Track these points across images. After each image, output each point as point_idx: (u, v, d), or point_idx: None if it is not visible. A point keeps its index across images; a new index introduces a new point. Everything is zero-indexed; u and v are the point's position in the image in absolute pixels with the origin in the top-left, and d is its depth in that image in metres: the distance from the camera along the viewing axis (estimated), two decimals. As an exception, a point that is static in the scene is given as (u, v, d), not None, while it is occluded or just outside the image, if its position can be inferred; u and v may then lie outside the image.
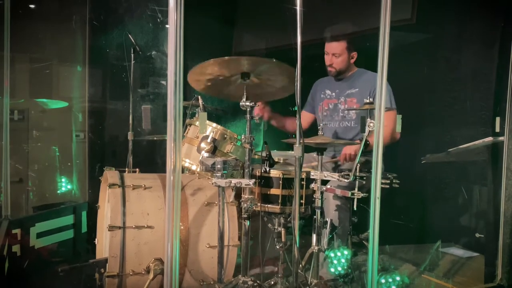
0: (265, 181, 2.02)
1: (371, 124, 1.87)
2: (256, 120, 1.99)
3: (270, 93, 2.23)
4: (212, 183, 1.84)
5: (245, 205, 1.94)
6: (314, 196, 2.07)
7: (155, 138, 2.96)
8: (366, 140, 1.95)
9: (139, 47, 3.03)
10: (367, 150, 1.96)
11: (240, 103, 1.95)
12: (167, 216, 1.50)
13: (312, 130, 2.95)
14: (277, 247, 2.04)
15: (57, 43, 3.53)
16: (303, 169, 1.96)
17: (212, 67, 1.95)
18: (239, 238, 2.04)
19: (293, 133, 2.99)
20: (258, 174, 2.02)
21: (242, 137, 1.97)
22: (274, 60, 1.87)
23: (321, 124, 2.21)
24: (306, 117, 3.03)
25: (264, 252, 2.25)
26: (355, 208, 2.02)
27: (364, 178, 2.01)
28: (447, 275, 2.51)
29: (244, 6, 4.23)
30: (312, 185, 2.05)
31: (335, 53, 2.76)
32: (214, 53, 4.16)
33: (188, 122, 2.32)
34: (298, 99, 1.83)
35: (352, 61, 2.81)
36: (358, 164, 2.01)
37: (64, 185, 3.57)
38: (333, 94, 2.87)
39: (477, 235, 2.68)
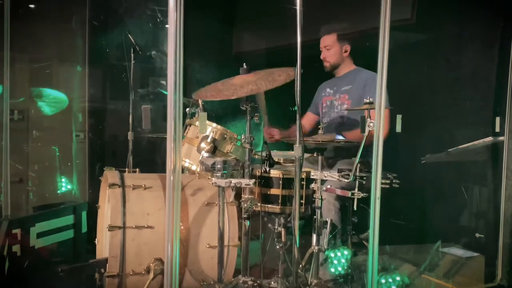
0: (265, 181, 2.02)
1: (371, 124, 1.87)
2: (256, 120, 1.99)
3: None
4: (212, 183, 1.84)
5: (245, 205, 1.94)
6: (314, 196, 2.06)
7: (154, 136, 2.97)
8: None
9: (139, 47, 3.03)
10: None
11: (240, 104, 1.95)
12: (167, 216, 1.50)
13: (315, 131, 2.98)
14: (277, 247, 2.04)
15: (57, 43, 3.53)
16: (303, 169, 1.96)
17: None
18: (239, 238, 2.04)
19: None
20: (258, 174, 2.02)
21: (242, 137, 1.97)
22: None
23: (321, 124, 2.21)
24: (310, 118, 3.04)
25: (264, 252, 2.25)
26: (355, 208, 2.01)
27: (364, 178, 2.01)
28: (447, 275, 2.51)
29: (244, 6, 4.23)
30: (312, 185, 2.05)
31: (327, 45, 2.81)
32: (214, 53, 4.20)
33: (188, 122, 2.31)
34: (298, 99, 1.82)
35: (346, 54, 2.83)
36: (358, 164, 2.01)
37: (64, 185, 3.57)
38: (331, 91, 2.89)
39: (477, 235, 2.68)
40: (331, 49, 2.81)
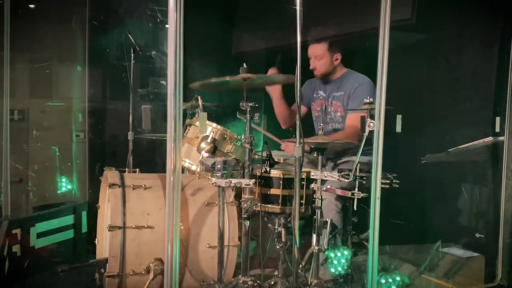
0: (265, 181, 2.02)
1: (371, 124, 1.87)
2: (256, 120, 1.99)
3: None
4: (212, 183, 1.84)
5: (245, 205, 1.94)
6: (314, 196, 2.06)
7: (154, 138, 2.97)
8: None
9: (139, 47, 3.03)
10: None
11: (240, 104, 1.95)
12: (167, 216, 1.50)
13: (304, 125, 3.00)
14: (277, 247, 2.04)
15: (57, 43, 3.53)
16: (303, 169, 1.96)
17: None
18: (239, 238, 2.04)
19: (287, 126, 3.03)
20: (258, 174, 2.02)
21: (242, 137, 1.97)
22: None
23: (321, 124, 2.21)
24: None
25: (264, 252, 2.25)
26: (355, 208, 2.01)
27: (364, 178, 2.01)
28: (447, 275, 2.51)
29: (244, 6, 4.23)
30: (312, 185, 2.05)
31: (317, 55, 2.70)
32: (214, 53, 4.20)
33: (188, 122, 2.31)
34: (298, 100, 1.83)
35: (336, 62, 2.74)
36: (358, 164, 2.01)
37: (64, 185, 3.57)
38: (325, 95, 2.86)
39: (477, 235, 2.68)
40: (322, 59, 2.69)
